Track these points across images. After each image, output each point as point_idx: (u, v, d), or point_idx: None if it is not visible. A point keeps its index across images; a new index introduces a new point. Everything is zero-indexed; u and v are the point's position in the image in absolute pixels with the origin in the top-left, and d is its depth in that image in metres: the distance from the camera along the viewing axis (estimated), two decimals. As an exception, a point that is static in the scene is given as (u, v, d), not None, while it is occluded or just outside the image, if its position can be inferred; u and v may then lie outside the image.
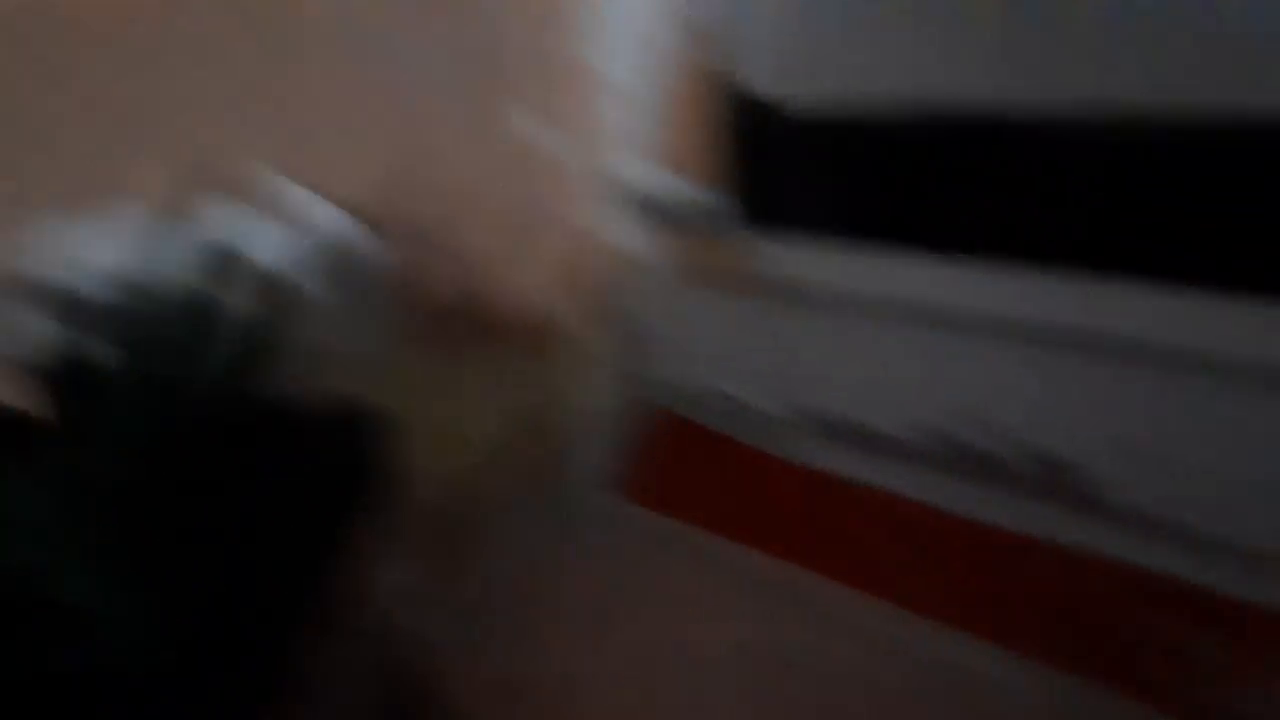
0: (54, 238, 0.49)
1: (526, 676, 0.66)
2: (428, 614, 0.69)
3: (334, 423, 0.50)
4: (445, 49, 0.69)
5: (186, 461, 0.41)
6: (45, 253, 0.48)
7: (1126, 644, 0.65)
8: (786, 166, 0.76)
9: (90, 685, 0.35)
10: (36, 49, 0.49)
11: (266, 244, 0.57)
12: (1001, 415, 0.69)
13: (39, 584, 0.35)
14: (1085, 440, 0.66)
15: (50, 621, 0.35)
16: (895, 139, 0.69)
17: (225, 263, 0.52)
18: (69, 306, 0.47)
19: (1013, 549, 0.69)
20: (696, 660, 0.68)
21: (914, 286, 0.68)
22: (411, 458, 0.70)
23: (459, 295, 0.73)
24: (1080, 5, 0.59)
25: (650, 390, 0.88)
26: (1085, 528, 0.67)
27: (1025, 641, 0.67)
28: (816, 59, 0.70)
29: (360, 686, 0.48)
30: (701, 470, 0.84)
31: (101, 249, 0.48)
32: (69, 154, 0.49)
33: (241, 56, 0.57)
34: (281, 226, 0.59)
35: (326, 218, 0.61)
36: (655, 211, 0.82)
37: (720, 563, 0.77)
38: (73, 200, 0.50)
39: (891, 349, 0.72)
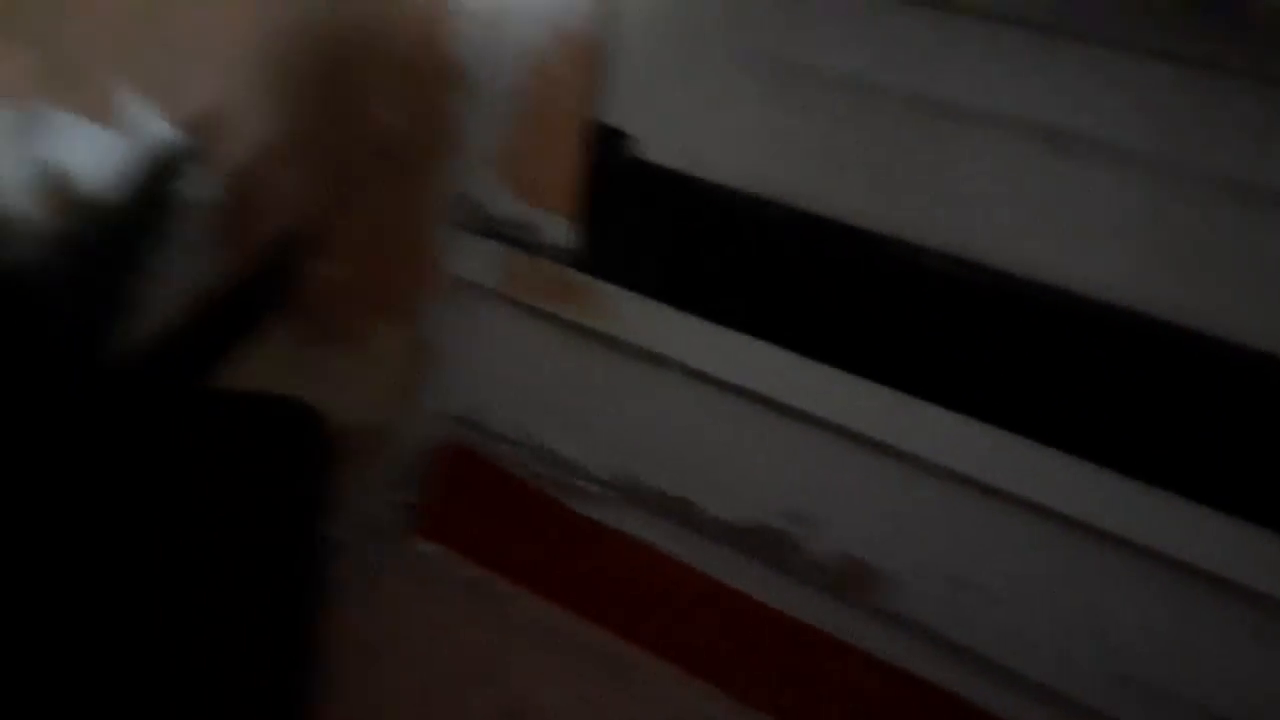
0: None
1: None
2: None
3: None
4: None
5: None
6: None
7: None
8: (637, 214, 0.72)
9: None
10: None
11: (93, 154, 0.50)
12: (820, 513, 0.69)
13: None
14: (899, 553, 0.66)
15: None
16: (741, 213, 0.67)
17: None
18: None
19: (817, 646, 0.68)
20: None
21: (752, 371, 0.67)
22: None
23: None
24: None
25: (453, 420, 0.82)
26: (886, 636, 0.67)
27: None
28: (695, 120, 0.68)
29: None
30: (503, 516, 0.79)
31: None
32: None
33: None
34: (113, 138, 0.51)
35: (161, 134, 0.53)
36: (494, 231, 0.76)
37: (532, 618, 0.73)
38: None
39: (722, 429, 0.70)
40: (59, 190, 0.49)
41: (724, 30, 0.64)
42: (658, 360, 0.70)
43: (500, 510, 0.76)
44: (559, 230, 0.74)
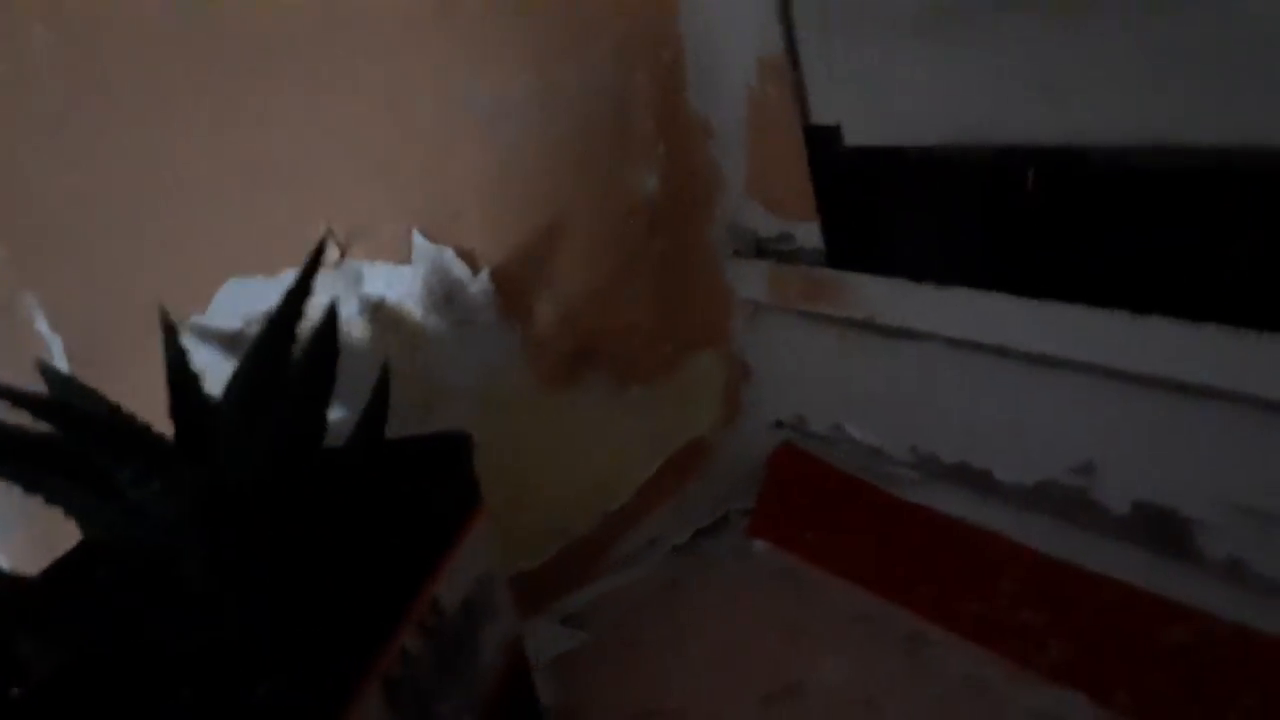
0: (231, 290, 0.64)
1: (647, 708, 0.67)
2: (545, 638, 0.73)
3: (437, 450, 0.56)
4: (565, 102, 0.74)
5: (298, 483, 0.50)
6: (222, 303, 0.64)
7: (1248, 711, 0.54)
8: (862, 199, 0.73)
9: (196, 658, 0.45)
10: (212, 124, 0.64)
11: (392, 286, 0.68)
12: (1112, 464, 0.62)
13: (166, 570, 0.46)
14: (1196, 494, 0.57)
15: (170, 601, 0.46)
16: (958, 169, 0.65)
17: (363, 306, 0.64)
18: (232, 347, 0.61)
19: (1128, 603, 0.61)
20: (812, 696, 0.65)
21: (1008, 327, 0.63)
22: (531, 488, 0.77)
23: (570, 330, 0.78)
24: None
25: (773, 426, 0.88)
26: (1198, 584, 0.58)
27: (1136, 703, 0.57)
28: (881, 94, 0.68)
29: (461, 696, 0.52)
30: (824, 508, 0.81)
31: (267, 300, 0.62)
32: (245, 220, 0.64)
33: (378, 134, 0.69)
34: (404, 271, 0.69)
35: (443, 260, 0.70)
36: (762, 249, 0.82)
37: (837, 602, 0.74)
38: (246, 259, 0.64)
39: (998, 393, 0.67)
40: (377, 314, 0.71)
41: (880, 3, 0.65)
42: (919, 336, 0.71)
43: (820, 503, 0.81)
44: (810, 234, 0.78)
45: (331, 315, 0.48)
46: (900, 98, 0.66)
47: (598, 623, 0.77)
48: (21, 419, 0.44)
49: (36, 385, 0.51)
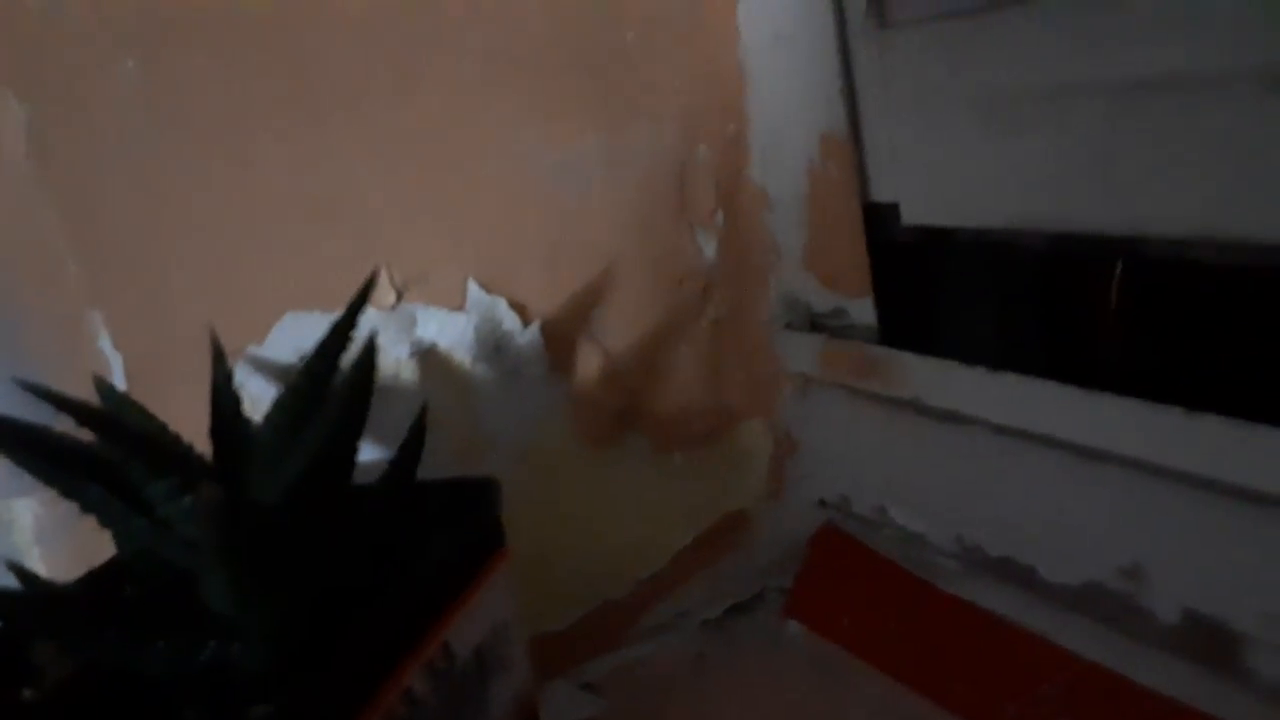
0: (288, 324, 0.67)
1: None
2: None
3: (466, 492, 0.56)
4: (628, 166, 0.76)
5: (323, 512, 0.50)
6: (279, 336, 0.66)
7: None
8: (918, 278, 0.74)
9: (203, 677, 0.45)
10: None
11: (444, 332, 0.70)
12: (1162, 568, 0.59)
13: (186, 588, 0.47)
14: (1248, 606, 0.55)
15: (186, 620, 0.46)
16: (1013, 253, 0.64)
17: (415, 349, 0.65)
18: (284, 380, 0.62)
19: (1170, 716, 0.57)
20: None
21: (1057, 417, 0.61)
22: (564, 547, 0.77)
23: (617, 390, 0.78)
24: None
25: (817, 505, 0.86)
26: (1245, 703, 0.54)
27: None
28: (941, 175, 0.68)
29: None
30: (863, 594, 0.78)
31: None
32: (307, 257, 0.66)
33: (443, 184, 0.71)
34: (457, 318, 0.70)
35: (496, 311, 0.70)
36: (815, 323, 0.82)
37: (871, 693, 0.71)
38: (306, 295, 0.67)
39: (1045, 486, 0.65)
40: (427, 359, 0.72)
41: (943, 80, 0.65)
42: (966, 420, 0.69)
43: (860, 588, 0.79)
44: (863, 311, 0.78)
45: (370, 347, 0.49)
46: (960, 179, 0.66)
47: (618, 692, 0.75)
48: (66, 427, 0.45)
49: (93, 399, 0.52)
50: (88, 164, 0.61)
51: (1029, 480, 0.66)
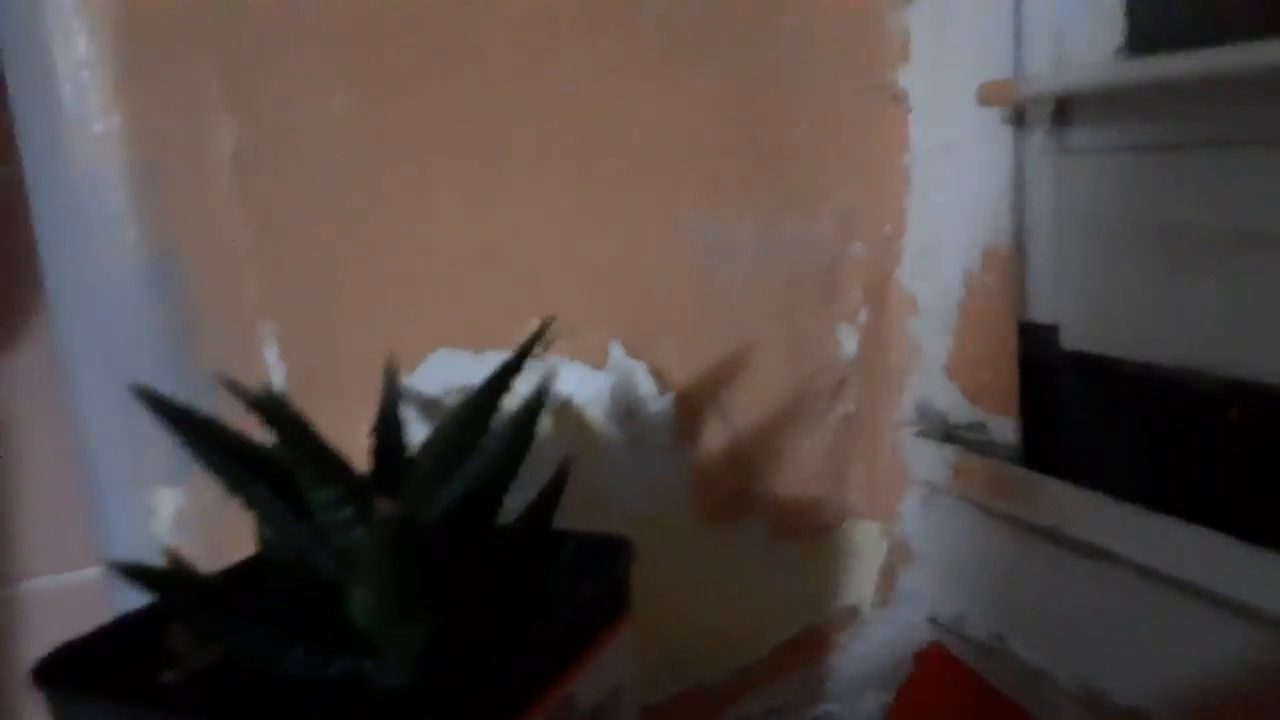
0: (439, 359, 0.68)
1: None
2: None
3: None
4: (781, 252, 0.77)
5: (472, 545, 0.51)
6: (429, 370, 0.68)
7: None
8: (1071, 403, 0.72)
9: (346, 687, 0.46)
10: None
11: (582, 388, 0.72)
12: None
13: (333, 597, 0.48)
14: None
15: (331, 629, 0.47)
16: (1171, 391, 0.63)
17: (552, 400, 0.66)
18: (428, 412, 0.64)
19: None
20: None
21: (1210, 568, 0.58)
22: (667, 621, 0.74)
23: (739, 470, 0.78)
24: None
25: (928, 620, 0.84)
26: None
27: None
28: (1107, 303, 0.67)
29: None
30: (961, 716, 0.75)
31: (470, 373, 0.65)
32: (467, 299, 0.69)
33: (602, 247, 0.73)
34: (597, 376, 0.71)
35: (635, 375, 0.71)
36: (950, 434, 0.81)
37: None
38: (459, 334, 0.69)
39: (1186, 637, 0.62)
40: (563, 412, 0.73)
41: (1121, 210, 0.65)
42: (1107, 557, 0.66)
43: (964, 716, 0.76)
44: (1005, 429, 0.76)
45: (543, 391, 0.50)
46: (1128, 310, 0.64)
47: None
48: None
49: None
50: (284, 185, 0.65)
51: (1172, 630, 0.63)
